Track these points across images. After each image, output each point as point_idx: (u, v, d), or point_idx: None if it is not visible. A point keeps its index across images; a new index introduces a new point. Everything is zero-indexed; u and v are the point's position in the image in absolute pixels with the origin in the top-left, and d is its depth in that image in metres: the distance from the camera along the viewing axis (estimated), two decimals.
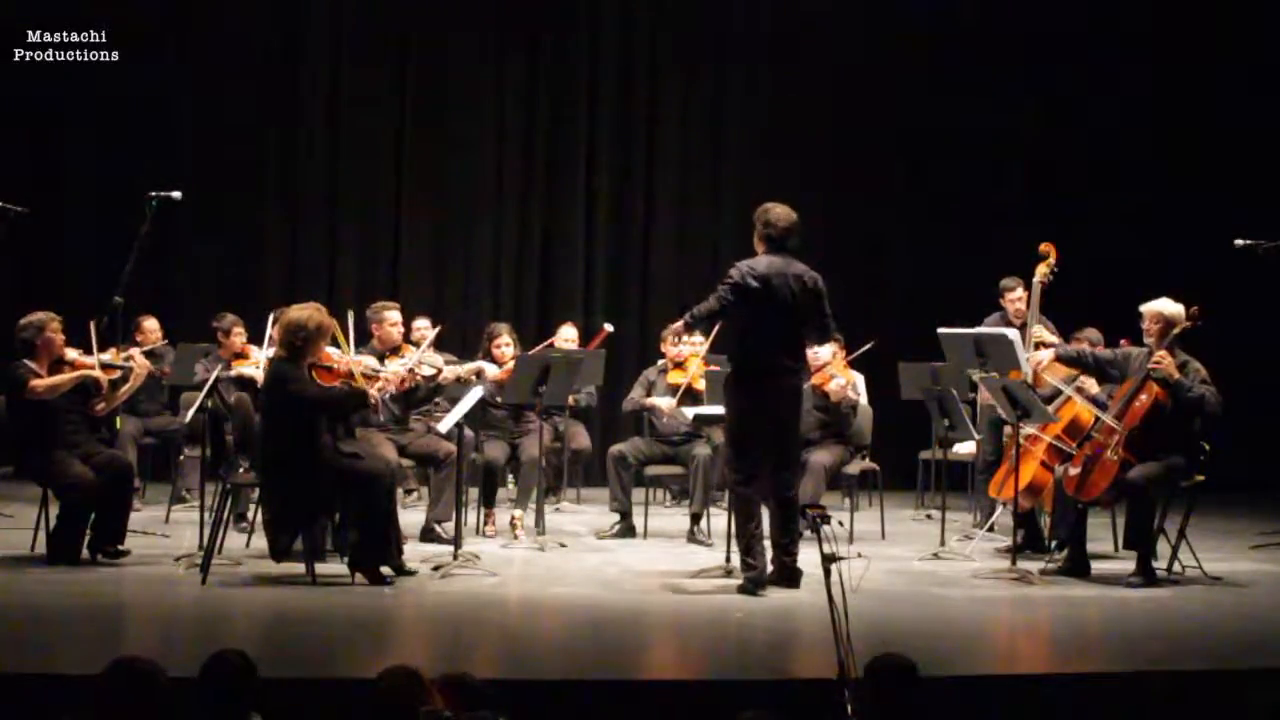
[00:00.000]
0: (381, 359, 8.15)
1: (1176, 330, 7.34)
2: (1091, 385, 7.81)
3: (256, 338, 8.77)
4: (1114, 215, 11.38)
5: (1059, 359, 7.65)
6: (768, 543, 6.90)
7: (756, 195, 7.57)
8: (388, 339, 8.36)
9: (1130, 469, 7.24)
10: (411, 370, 8.07)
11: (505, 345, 8.73)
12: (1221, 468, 7.57)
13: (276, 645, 5.79)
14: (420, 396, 8.39)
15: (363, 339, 8.27)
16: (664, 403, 8.80)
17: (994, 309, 8.94)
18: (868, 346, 9.06)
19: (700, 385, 8.75)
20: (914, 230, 11.60)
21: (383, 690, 4.02)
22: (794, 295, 6.88)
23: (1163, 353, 7.27)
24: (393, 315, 8.40)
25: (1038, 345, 8.15)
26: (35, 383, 7.14)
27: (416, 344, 8.64)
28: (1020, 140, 11.64)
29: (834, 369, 8.64)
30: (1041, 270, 8.52)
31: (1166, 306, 7.40)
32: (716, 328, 8.28)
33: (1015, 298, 8.80)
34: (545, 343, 9.51)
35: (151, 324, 9.46)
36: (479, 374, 8.46)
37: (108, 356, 7.52)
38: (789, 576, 6.81)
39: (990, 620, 6.67)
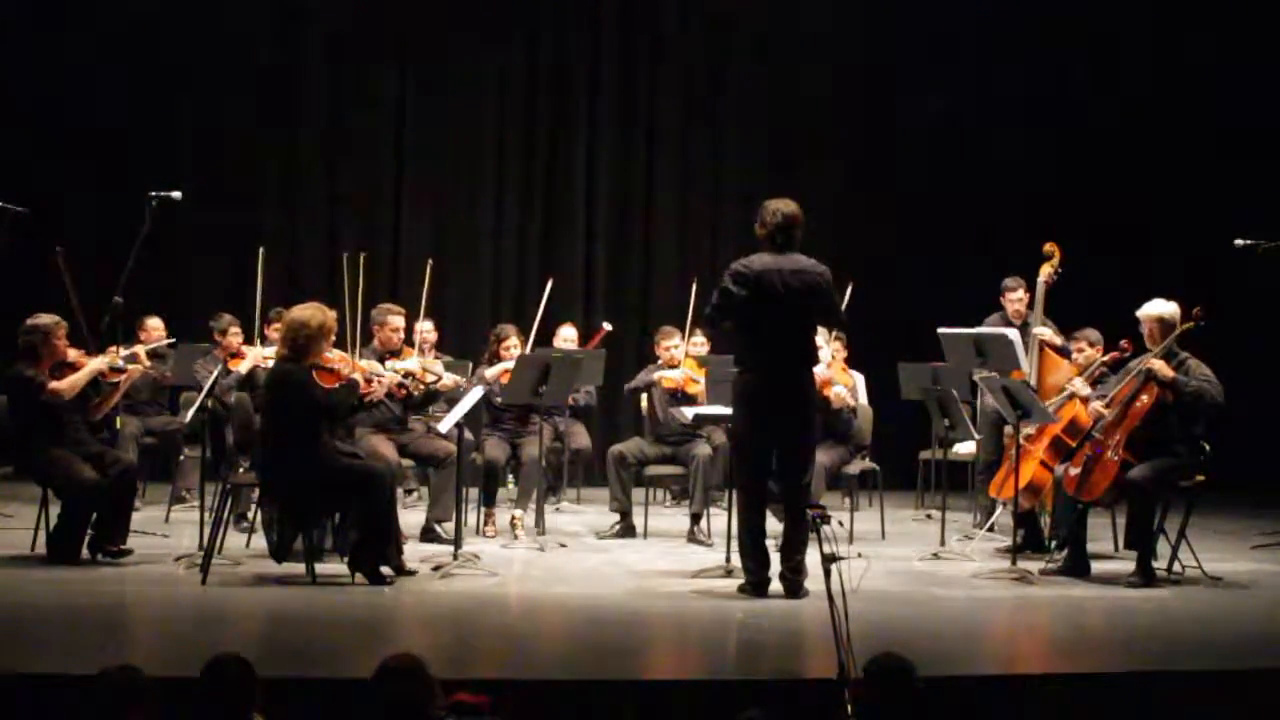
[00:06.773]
0: (382, 361, 8.15)
1: (1177, 331, 7.32)
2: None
3: (254, 337, 8.77)
4: (1114, 215, 11.37)
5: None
6: (775, 550, 6.81)
7: (757, 194, 7.54)
8: (388, 342, 8.35)
9: (1131, 469, 7.24)
10: (414, 377, 8.07)
11: (513, 348, 8.69)
12: (1221, 468, 7.56)
13: (276, 645, 5.79)
14: (419, 401, 8.38)
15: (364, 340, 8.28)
16: (675, 374, 8.83)
17: (995, 309, 8.93)
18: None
19: (695, 389, 8.75)
20: (915, 230, 11.59)
21: (392, 695, 4.02)
22: (790, 291, 6.63)
23: (1156, 360, 7.25)
24: (395, 320, 8.37)
25: (1042, 347, 8.20)
26: (55, 385, 7.11)
27: (419, 347, 8.61)
28: (1021, 139, 11.64)
29: (832, 372, 8.63)
30: (1046, 270, 8.51)
31: (1161, 308, 7.40)
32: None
33: (1015, 298, 8.77)
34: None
35: (155, 322, 9.41)
36: (485, 380, 8.38)
37: (107, 360, 7.49)
38: (793, 591, 6.65)
39: (990, 620, 6.67)
